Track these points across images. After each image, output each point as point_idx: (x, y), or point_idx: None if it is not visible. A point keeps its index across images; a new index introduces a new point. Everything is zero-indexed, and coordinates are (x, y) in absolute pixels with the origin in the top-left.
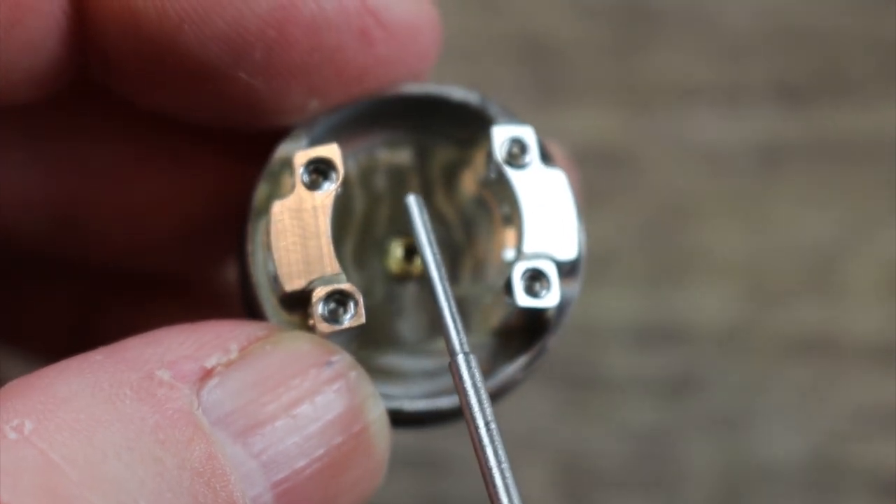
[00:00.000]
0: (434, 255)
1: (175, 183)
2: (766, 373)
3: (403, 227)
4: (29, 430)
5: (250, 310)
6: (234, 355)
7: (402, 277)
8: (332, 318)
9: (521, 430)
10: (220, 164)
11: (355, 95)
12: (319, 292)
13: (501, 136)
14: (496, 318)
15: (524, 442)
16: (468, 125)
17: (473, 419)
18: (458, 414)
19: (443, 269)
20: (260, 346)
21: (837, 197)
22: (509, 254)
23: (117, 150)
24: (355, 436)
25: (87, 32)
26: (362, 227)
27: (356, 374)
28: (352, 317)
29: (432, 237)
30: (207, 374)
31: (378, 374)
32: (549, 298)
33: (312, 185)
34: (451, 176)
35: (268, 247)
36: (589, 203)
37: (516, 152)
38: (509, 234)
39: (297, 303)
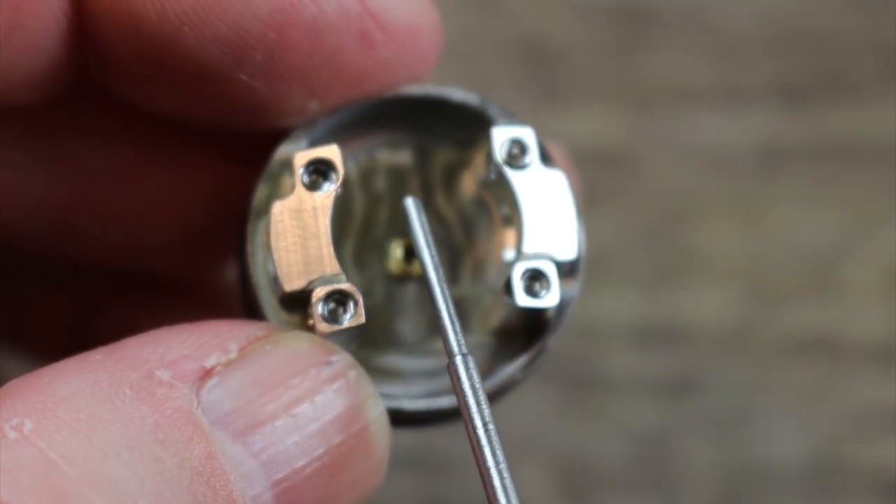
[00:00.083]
0: (432, 257)
1: (175, 184)
2: (767, 374)
3: (403, 227)
4: (28, 430)
5: (250, 310)
6: (233, 355)
7: (402, 278)
8: (332, 317)
9: (521, 430)
10: (220, 165)
11: (355, 97)
12: (319, 292)
13: (501, 136)
14: (496, 318)
15: (524, 442)
16: (468, 126)
17: (471, 420)
18: (458, 414)
19: (441, 271)
20: (259, 345)
21: (837, 198)
22: (509, 254)
23: (117, 152)
24: (355, 435)
25: (87, 34)
26: (362, 228)
27: (356, 373)
28: (351, 317)
29: (430, 239)
30: (207, 374)
31: (378, 373)
32: (549, 298)
33: (312, 186)
34: (451, 177)
35: (268, 247)
36: (589, 204)
37: (516, 153)
38: (509, 235)
39: (297, 303)
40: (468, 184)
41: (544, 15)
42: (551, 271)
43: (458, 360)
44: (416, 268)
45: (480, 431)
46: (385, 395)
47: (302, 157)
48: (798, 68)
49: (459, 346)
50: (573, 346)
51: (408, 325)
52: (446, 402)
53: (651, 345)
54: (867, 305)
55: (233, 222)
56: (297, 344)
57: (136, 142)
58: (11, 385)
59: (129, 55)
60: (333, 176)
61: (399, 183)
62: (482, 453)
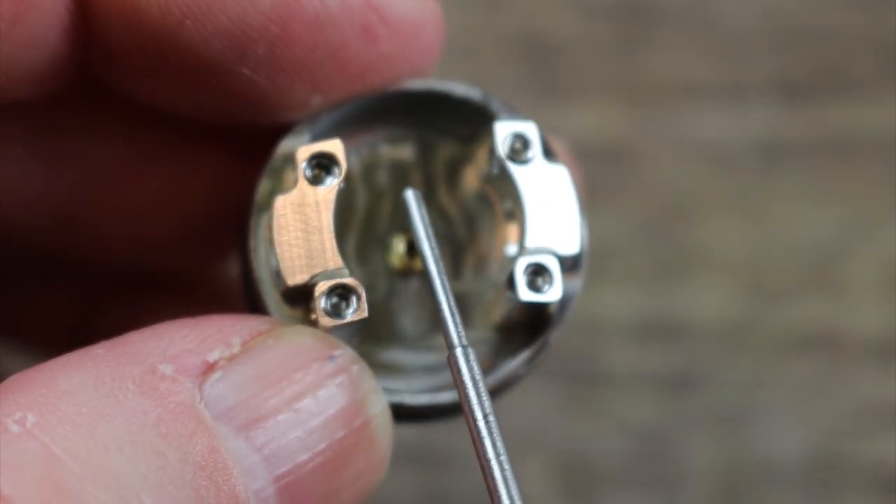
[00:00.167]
0: (432, 249)
1: (176, 180)
2: (767, 370)
3: (405, 222)
4: (31, 424)
5: (253, 305)
6: (236, 349)
7: (405, 273)
8: (335, 312)
9: (522, 426)
10: (222, 161)
11: (358, 91)
12: (322, 287)
13: (504, 131)
14: (498, 313)
15: (525, 438)
16: (470, 121)
17: (472, 412)
18: (460, 408)
19: (441, 264)
20: (262, 340)
21: (838, 194)
22: (512, 249)
23: (118, 148)
24: (357, 430)
25: (90, 29)
26: (365, 223)
27: (358, 368)
28: (354, 311)
29: (430, 232)
30: (210, 368)
31: (380, 368)
32: (552, 293)
33: (315, 180)
34: (454, 172)
35: (270, 242)
36: (590, 200)
37: (519, 148)
38: (512, 230)
39: (300, 297)
40: (470, 179)
41: (546, 11)
42: (554, 266)
43: (458, 351)
44: (418, 262)
45: (481, 423)
46: (387, 390)
47: (304, 151)
48: (798, 65)
49: (459, 337)
50: (574, 342)
51: (410, 320)
52: (448, 397)
53: (652, 341)
54: (867, 301)
55: (235, 217)
56: (299, 338)
57: (138, 137)
58: (14, 379)
59: (131, 49)
60: (336, 170)
61: (401, 178)
62: (482, 445)
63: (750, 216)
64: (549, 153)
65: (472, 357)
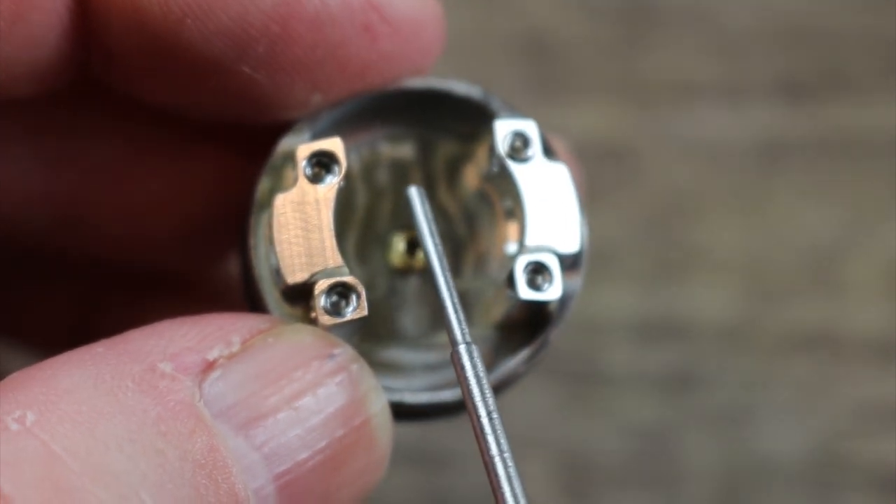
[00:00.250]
0: (436, 246)
1: (176, 179)
2: (767, 369)
3: (406, 220)
4: (31, 422)
5: (252, 303)
6: (236, 348)
7: (405, 271)
8: (335, 310)
9: (522, 425)
10: (222, 159)
11: (358, 90)
12: (322, 285)
13: (504, 129)
14: (498, 311)
15: (525, 438)
16: (471, 119)
17: (475, 409)
18: (460, 407)
19: (444, 261)
20: (262, 338)
21: (838, 194)
22: (511, 247)
23: (118, 147)
24: (357, 428)
25: (90, 27)
26: (365, 222)
27: (358, 366)
28: (354, 309)
29: (434, 228)
30: (209, 367)
31: (380, 367)
32: (552, 292)
33: (315, 179)
34: (454, 170)
35: (270, 240)
36: (590, 199)
37: (519, 146)
38: (511, 228)
39: (300, 296)
40: (471, 177)
41: (546, 10)
42: (554, 264)
43: (462, 348)
44: (418, 261)
45: (484, 420)
46: (387, 389)
47: (305, 149)
48: (799, 64)
49: (463, 334)
50: (574, 342)
51: (410, 319)
52: (448, 395)
53: (652, 340)
54: (868, 301)
55: (235, 216)
56: (299, 337)
57: (138, 136)
58: (13, 377)
59: (131, 48)
60: (336, 169)
61: (401, 176)
62: (486, 442)
63: (750, 216)
64: (549, 151)
65: (475, 353)
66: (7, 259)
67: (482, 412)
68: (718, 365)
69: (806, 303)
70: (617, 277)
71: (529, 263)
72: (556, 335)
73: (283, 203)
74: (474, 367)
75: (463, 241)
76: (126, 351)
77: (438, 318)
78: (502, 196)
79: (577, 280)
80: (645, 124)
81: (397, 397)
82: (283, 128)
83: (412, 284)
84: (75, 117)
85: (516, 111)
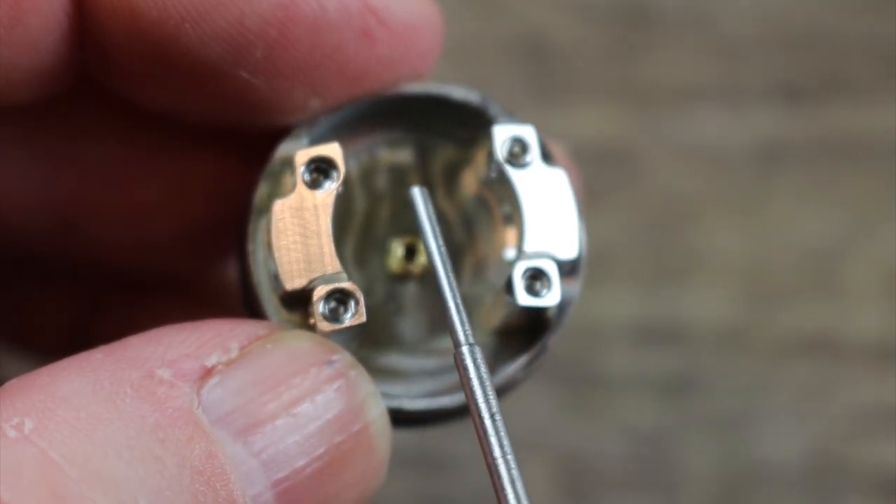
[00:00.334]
0: (439, 247)
1: (175, 182)
2: (766, 373)
3: (404, 226)
4: (29, 429)
5: (251, 309)
6: (234, 354)
7: (403, 277)
8: (333, 316)
9: (522, 429)
10: (221, 163)
11: (356, 95)
12: (320, 291)
13: (502, 135)
14: (497, 317)
15: (524, 442)
16: (469, 124)
17: (478, 411)
18: (459, 413)
19: (448, 262)
20: (260, 344)
21: (837, 196)
22: (510, 253)
23: (117, 150)
24: (356, 435)
25: (88, 32)
26: (363, 227)
27: (356, 372)
28: (352, 315)
29: (437, 229)
30: (208, 373)
31: (378, 373)
32: (550, 297)
33: (313, 184)
34: (452, 175)
35: (269, 246)
36: (589, 203)
37: (517, 151)
38: (510, 234)
39: (298, 302)
40: (469, 182)
41: (545, 13)
42: (552, 270)
43: (465, 349)
44: (416, 266)
45: (487, 422)
46: (385, 395)
47: (303, 155)
48: (798, 67)
49: (466, 336)
50: (573, 346)
51: (408, 325)
52: (447, 401)
53: (651, 344)
54: (867, 304)
55: (233, 220)
56: (297, 343)
57: (137, 140)
58: (12, 384)
59: (129, 53)
60: (335, 174)
61: (400, 181)
62: (489, 444)
63: (749, 219)
64: (547, 157)
65: (478, 355)
66: (6, 261)
67: (485, 414)
68: (718, 368)
69: (805, 305)
70: (617, 280)
71: (528, 269)
72: (555, 341)
73: (282, 209)
74: (477, 368)
75: (461, 246)
76: (124, 357)
77: (437, 323)
78: (501, 201)
79: (575, 286)
80: (644, 127)
81: (396, 403)
82: (282, 133)
83: (411, 290)
84: (74, 120)
85: (515, 116)
